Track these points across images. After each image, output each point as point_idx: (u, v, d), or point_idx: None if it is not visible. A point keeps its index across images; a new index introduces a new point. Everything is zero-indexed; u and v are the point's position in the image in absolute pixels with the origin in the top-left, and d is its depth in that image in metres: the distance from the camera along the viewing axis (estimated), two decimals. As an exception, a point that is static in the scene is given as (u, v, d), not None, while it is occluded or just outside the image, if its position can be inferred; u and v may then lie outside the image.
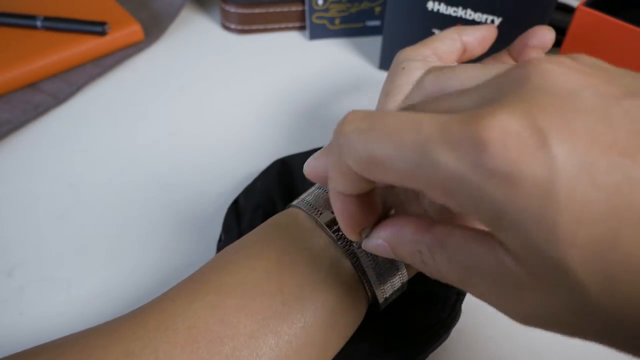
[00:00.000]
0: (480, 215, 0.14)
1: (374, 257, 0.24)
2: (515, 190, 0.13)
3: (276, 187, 0.34)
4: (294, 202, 0.26)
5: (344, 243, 0.24)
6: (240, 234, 0.32)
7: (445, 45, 0.30)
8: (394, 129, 0.15)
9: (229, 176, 0.38)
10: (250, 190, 0.34)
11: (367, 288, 0.25)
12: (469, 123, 0.14)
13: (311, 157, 0.22)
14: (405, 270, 0.25)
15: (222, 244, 0.32)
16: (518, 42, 0.32)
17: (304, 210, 0.25)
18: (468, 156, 0.14)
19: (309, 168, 0.22)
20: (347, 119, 0.17)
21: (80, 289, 0.31)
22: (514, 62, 0.33)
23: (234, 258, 0.24)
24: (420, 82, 0.20)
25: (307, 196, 0.26)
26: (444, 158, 0.14)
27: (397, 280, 0.25)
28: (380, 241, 0.20)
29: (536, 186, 0.13)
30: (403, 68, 0.29)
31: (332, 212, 0.25)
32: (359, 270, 0.24)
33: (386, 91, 0.29)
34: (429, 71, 0.19)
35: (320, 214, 0.25)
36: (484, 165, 0.13)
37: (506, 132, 0.13)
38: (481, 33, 0.31)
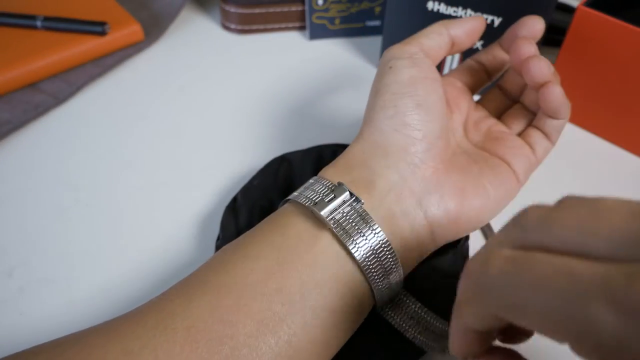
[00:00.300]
0: None
1: (378, 257, 0.24)
2: None
3: (274, 185, 0.34)
4: (292, 196, 0.26)
5: (347, 239, 0.24)
6: (237, 232, 0.32)
7: (432, 41, 0.30)
8: (545, 275, 0.14)
9: (228, 175, 0.38)
10: (248, 188, 0.34)
11: (372, 287, 0.25)
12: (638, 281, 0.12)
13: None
14: (401, 269, 0.25)
15: (220, 242, 0.32)
16: (508, 34, 0.32)
17: (302, 204, 0.25)
18: (637, 321, 0.12)
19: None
20: (490, 259, 0.16)
21: (80, 289, 0.31)
22: (506, 54, 0.33)
23: (233, 258, 0.24)
24: (520, 221, 0.17)
25: (304, 190, 0.26)
26: (605, 317, 0.13)
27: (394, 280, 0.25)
28: None
29: None
30: (390, 67, 0.29)
31: (329, 202, 0.24)
32: (364, 269, 0.24)
33: (375, 90, 0.29)
34: (531, 211, 0.17)
35: (321, 208, 0.24)
36: None
37: None
38: (469, 25, 0.31)
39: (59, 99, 0.42)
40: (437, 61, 0.30)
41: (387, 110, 0.28)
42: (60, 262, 0.32)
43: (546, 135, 0.31)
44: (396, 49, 0.29)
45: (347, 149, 0.29)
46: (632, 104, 0.38)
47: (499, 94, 0.34)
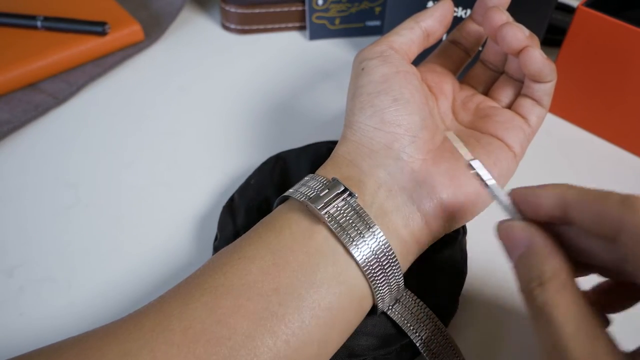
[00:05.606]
0: None
1: (376, 255, 0.24)
2: None
3: (270, 183, 0.34)
4: (287, 192, 0.26)
5: (343, 234, 0.24)
6: (235, 232, 0.32)
7: (402, 37, 0.30)
8: None
9: (228, 175, 0.38)
10: (245, 188, 0.34)
11: (370, 285, 0.25)
12: None
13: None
14: (400, 267, 0.25)
15: (218, 243, 0.32)
16: (478, 7, 0.32)
17: (297, 202, 0.25)
18: None
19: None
20: None
21: (80, 289, 0.31)
22: (480, 27, 0.33)
23: (229, 260, 0.24)
24: None
25: (299, 187, 0.26)
26: None
27: (394, 283, 0.25)
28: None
29: None
30: (362, 69, 0.29)
31: (323, 197, 0.25)
32: (362, 267, 0.24)
33: (352, 93, 0.29)
34: None
35: (315, 202, 0.24)
36: None
37: None
38: (439, 12, 0.31)
39: (59, 99, 0.42)
40: (412, 55, 0.30)
41: (366, 111, 0.28)
42: (60, 262, 0.32)
43: (537, 101, 0.31)
44: (366, 51, 0.30)
45: (334, 152, 0.29)
46: (632, 103, 0.38)
47: (483, 69, 0.34)
